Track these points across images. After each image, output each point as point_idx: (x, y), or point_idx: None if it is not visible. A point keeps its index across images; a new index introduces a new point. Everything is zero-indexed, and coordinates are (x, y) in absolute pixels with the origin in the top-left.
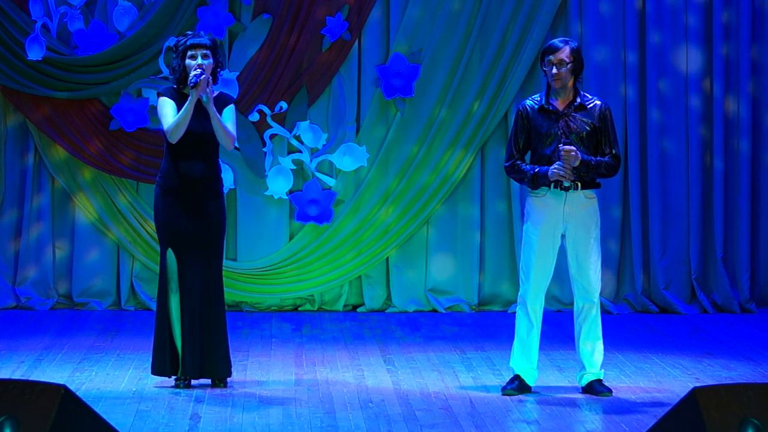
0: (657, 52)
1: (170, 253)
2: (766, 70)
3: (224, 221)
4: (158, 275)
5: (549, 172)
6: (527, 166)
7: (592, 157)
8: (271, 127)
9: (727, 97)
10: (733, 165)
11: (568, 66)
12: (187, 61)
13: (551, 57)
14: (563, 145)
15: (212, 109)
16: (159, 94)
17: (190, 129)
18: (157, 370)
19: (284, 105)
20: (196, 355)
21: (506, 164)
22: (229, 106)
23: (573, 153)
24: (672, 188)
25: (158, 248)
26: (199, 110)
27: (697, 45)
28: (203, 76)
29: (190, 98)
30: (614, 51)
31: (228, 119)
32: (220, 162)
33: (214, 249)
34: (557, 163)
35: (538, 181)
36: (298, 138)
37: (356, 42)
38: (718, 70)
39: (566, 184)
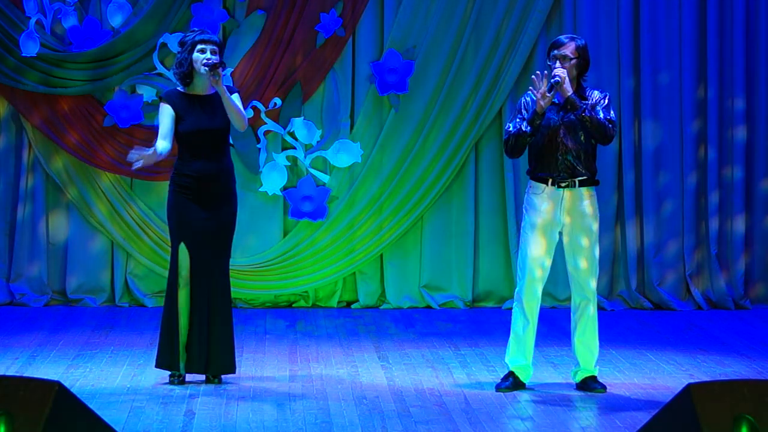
0: (652, 49)
1: (183, 249)
2: (761, 64)
3: (236, 218)
4: (167, 270)
5: (536, 107)
6: (519, 123)
7: (587, 105)
8: (265, 123)
9: (721, 92)
10: (728, 161)
11: (572, 62)
12: (195, 54)
13: (556, 52)
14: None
15: (222, 88)
16: (161, 99)
17: (200, 127)
18: (163, 364)
19: (278, 101)
20: (204, 349)
21: (504, 139)
22: (234, 94)
23: (563, 75)
24: (666, 184)
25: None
26: (208, 107)
27: (692, 44)
28: (217, 61)
29: (219, 93)
30: (609, 47)
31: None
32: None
33: (226, 245)
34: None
35: (534, 124)
36: (292, 134)
37: (350, 38)
38: (713, 68)
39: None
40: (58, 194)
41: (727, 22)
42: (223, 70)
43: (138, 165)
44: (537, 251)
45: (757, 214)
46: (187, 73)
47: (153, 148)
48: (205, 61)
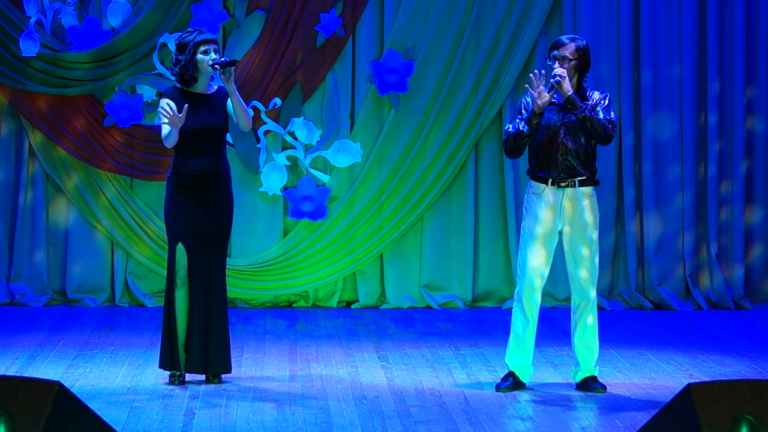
0: (651, 47)
1: (180, 248)
2: (761, 60)
3: (232, 217)
4: (165, 270)
5: (533, 107)
6: (518, 124)
7: (587, 105)
8: (265, 123)
9: (721, 91)
10: (728, 161)
11: (572, 63)
12: (200, 56)
13: (556, 52)
14: (557, 74)
15: (233, 87)
16: (160, 95)
17: (202, 125)
18: (165, 364)
19: (278, 101)
20: (203, 349)
21: (504, 139)
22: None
23: (563, 75)
24: (667, 185)
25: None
26: (206, 105)
27: (692, 40)
28: (229, 59)
29: (229, 92)
30: (609, 46)
31: None
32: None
33: (223, 245)
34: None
35: (532, 123)
36: (292, 134)
37: (350, 38)
38: (713, 64)
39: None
40: (57, 194)
41: (727, 16)
42: (234, 68)
43: (162, 120)
44: (536, 261)
45: (757, 215)
46: (192, 75)
47: (181, 114)
48: (211, 61)
